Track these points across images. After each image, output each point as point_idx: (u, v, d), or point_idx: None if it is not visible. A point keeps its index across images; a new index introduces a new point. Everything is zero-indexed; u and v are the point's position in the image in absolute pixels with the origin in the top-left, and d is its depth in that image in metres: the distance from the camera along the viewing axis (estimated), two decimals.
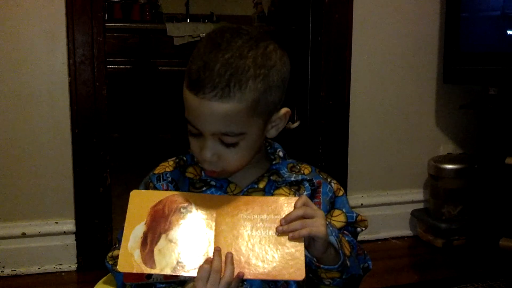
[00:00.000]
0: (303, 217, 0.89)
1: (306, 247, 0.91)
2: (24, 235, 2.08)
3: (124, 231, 0.89)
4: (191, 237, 0.89)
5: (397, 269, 2.20)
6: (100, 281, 1.04)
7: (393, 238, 2.50)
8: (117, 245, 1.00)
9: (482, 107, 2.31)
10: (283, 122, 0.98)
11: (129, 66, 3.99)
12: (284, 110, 0.97)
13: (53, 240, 2.12)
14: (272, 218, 0.90)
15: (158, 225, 0.90)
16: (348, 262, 0.95)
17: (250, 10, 4.58)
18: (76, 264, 2.13)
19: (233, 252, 0.88)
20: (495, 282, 2.02)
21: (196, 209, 0.91)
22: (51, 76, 2.04)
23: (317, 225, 0.88)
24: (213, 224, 0.90)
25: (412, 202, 2.52)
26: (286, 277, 0.88)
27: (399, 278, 2.10)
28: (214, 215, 0.91)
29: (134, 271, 0.87)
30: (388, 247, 2.42)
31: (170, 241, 0.89)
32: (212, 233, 0.90)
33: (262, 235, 0.90)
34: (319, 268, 0.94)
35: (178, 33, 4.00)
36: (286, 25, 4.30)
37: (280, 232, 0.89)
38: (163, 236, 0.89)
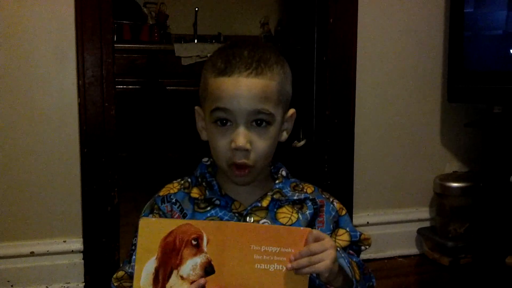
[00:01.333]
0: (312, 254, 0.89)
1: (316, 276, 0.92)
2: (32, 254, 2.10)
3: (135, 267, 0.88)
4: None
5: None
6: None
7: (399, 256, 2.49)
8: (122, 266, 1.01)
9: (487, 126, 2.32)
10: (291, 124, 1.04)
11: (137, 86, 4.04)
12: (292, 110, 1.04)
13: (61, 259, 2.13)
14: (282, 251, 0.89)
15: (169, 260, 0.88)
16: (359, 287, 0.97)
17: (257, 30, 4.63)
18: (84, 283, 2.14)
19: (238, 285, 0.88)
20: None
21: (207, 241, 0.89)
22: (61, 96, 2.07)
23: (322, 260, 0.88)
24: (221, 258, 0.89)
25: (418, 220, 2.52)
26: None
27: None
28: (224, 248, 0.89)
29: None
30: (395, 266, 2.42)
31: (181, 277, 0.89)
32: (221, 268, 0.89)
33: (269, 269, 0.89)
34: None
35: (186, 54, 4.05)
36: (292, 45, 4.34)
37: (289, 269, 0.88)
38: (174, 272, 0.89)
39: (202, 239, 0.90)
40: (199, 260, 0.89)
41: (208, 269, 0.89)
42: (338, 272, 0.92)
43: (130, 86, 3.99)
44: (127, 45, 3.99)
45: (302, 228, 0.96)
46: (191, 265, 0.89)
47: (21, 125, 2.05)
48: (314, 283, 0.94)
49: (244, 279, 0.88)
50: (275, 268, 0.89)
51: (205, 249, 0.89)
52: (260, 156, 0.97)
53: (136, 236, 1.03)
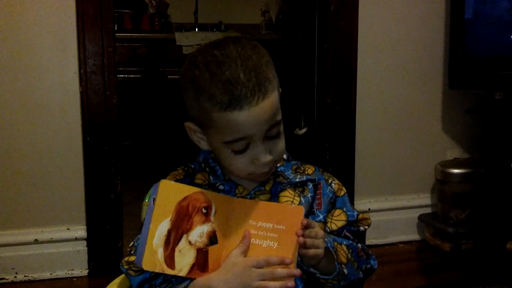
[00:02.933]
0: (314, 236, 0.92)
1: (301, 261, 0.94)
2: (36, 242, 2.12)
3: (151, 226, 0.90)
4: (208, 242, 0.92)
5: (405, 273, 2.21)
6: (113, 282, 1.06)
7: (401, 242, 2.51)
8: (132, 252, 1.02)
9: (488, 112, 2.32)
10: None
11: (138, 75, 4.04)
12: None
13: (64, 246, 2.15)
14: (275, 228, 0.94)
15: (181, 223, 0.92)
16: (345, 270, 0.98)
17: (258, 18, 4.62)
18: (88, 270, 2.17)
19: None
20: (503, 285, 2.02)
21: (215, 212, 0.94)
22: (63, 86, 2.09)
23: (318, 247, 0.92)
24: (224, 230, 0.93)
25: (420, 206, 2.54)
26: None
27: (407, 282, 2.11)
28: (228, 220, 0.94)
29: (157, 270, 0.90)
30: (396, 252, 2.43)
31: (189, 242, 0.92)
32: (223, 240, 0.93)
33: (262, 245, 0.93)
34: (315, 277, 0.97)
35: (187, 42, 4.05)
36: (293, 33, 4.33)
37: (300, 242, 0.91)
38: (184, 236, 0.92)
39: (211, 208, 0.94)
40: (206, 228, 0.93)
41: (212, 239, 0.92)
42: (324, 258, 0.94)
43: (132, 75, 3.99)
44: (128, 34, 3.99)
45: (295, 206, 0.99)
46: (199, 231, 0.92)
47: (23, 115, 2.07)
48: (302, 269, 0.96)
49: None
50: (267, 244, 0.93)
51: (212, 218, 0.93)
52: (280, 154, 1.00)
53: (143, 223, 1.04)
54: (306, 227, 0.92)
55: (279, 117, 0.96)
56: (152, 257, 0.89)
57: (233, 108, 0.90)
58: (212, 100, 0.90)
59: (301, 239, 0.90)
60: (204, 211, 0.93)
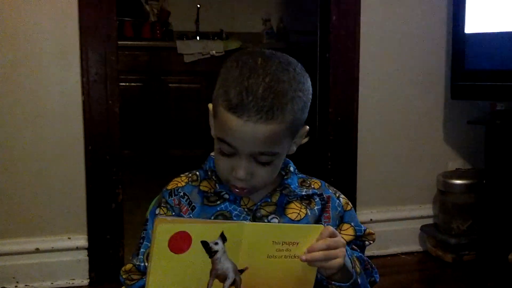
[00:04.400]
0: (327, 249, 0.90)
1: (318, 270, 0.92)
2: (37, 251, 2.12)
3: (152, 264, 0.87)
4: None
5: (407, 284, 2.21)
6: None
7: (402, 253, 2.50)
8: (131, 259, 1.03)
9: (490, 123, 2.32)
10: (302, 138, 1.03)
11: (139, 83, 4.05)
12: (305, 128, 1.02)
13: (65, 256, 2.15)
14: (295, 246, 0.90)
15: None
16: (359, 280, 0.97)
17: (259, 27, 4.64)
18: (88, 279, 2.16)
19: (254, 283, 0.90)
20: None
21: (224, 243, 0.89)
22: (65, 94, 2.09)
23: (337, 257, 0.90)
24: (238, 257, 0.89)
25: (421, 217, 2.53)
26: None
27: None
28: (242, 245, 0.89)
29: None
30: (398, 263, 2.43)
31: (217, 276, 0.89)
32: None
33: (282, 265, 0.90)
34: (330, 285, 0.96)
35: (188, 51, 4.06)
36: (295, 42, 4.34)
37: (303, 261, 0.89)
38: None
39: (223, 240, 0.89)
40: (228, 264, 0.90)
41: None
42: (340, 270, 0.93)
43: (133, 84, 4.00)
44: (129, 42, 4.00)
45: (316, 225, 0.97)
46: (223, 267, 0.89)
47: (25, 123, 2.07)
48: (316, 278, 0.96)
49: (267, 270, 0.90)
50: (290, 258, 0.90)
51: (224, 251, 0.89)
52: (262, 181, 0.99)
53: (144, 229, 1.04)
54: (331, 235, 0.90)
55: (275, 149, 0.95)
56: None
57: (234, 112, 0.91)
58: (225, 95, 0.92)
59: (303, 257, 0.88)
60: (215, 245, 0.87)
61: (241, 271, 0.89)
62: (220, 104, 0.94)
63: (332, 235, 0.91)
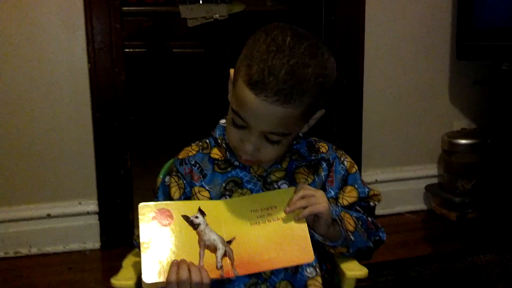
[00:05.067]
0: (304, 197, 0.94)
1: (311, 227, 0.96)
2: (49, 216, 2.16)
3: (141, 246, 0.93)
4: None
5: (412, 242, 2.25)
6: (130, 255, 1.09)
7: (407, 212, 2.54)
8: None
9: (495, 83, 2.32)
10: (316, 120, 1.04)
11: (144, 49, 4.02)
12: (321, 112, 1.02)
13: (77, 220, 2.19)
14: (275, 210, 0.95)
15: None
16: (352, 237, 1.00)
17: None
18: (100, 243, 2.21)
19: (245, 251, 0.93)
20: (508, 252, 2.05)
21: (205, 218, 0.96)
22: (72, 63, 2.09)
23: (318, 202, 0.94)
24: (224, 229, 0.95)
25: (426, 177, 2.56)
26: (297, 262, 0.94)
27: (414, 251, 2.14)
28: (222, 219, 0.96)
29: (162, 279, 0.90)
30: (403, 221, 2.46)
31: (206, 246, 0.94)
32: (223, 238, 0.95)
33: (268, 228, 0.94)
34: (325, 245, 0.99)
35: (192, 15, 4.01)
36: (300, 4, 4.28)
37: (287, 212, 0.94)
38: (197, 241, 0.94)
39: (202, 215, 0.96)
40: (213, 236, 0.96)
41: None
42: (331, 223, 0.96)
43: (137, 50, 3.97)
44: (132, 8, 3.95)
45: (288, 188, 1.01)
46: (211, 238, 0.95)
47: (33, 92, 2.08)
48: (313, 239, 0.99)
49: (246, 242, 0.94)
50: (273, 225, 0.94)
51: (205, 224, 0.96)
52: (268, 159, 1.01)
53: (156, 198, 1.07)
54: (303, 197, 0.94)
55: (286, 131, 0.95)
56: (152, 272, 0.90)
57: (252, 88, 0.91)
58: (248, 69, 0.92)
59: (287, 209, 0.93)
60: (196, 218, 0.94)
61: (229, 242, 0.93)
62: (240, 77, 0.93)
63: (307, 188, 0.96)
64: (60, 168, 2.15)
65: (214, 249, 0.92)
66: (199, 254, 0.92)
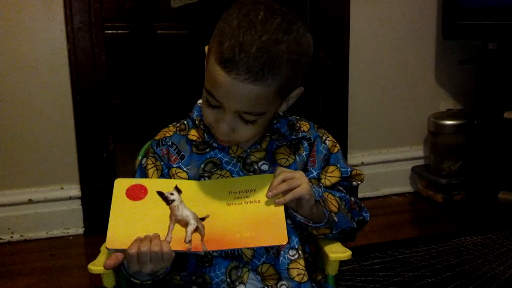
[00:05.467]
0: (284, 180, 0.92)
1: (293, 209, 0.94)
2: (30, 201, 2.13)
3: (110, 214, 0.94)
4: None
5: (398, 224, 2.25)
6: None
7: (394, 194, 2.54)
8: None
9: (482, 63, 2.31)
10: (295, 99, 1.00)
11: (126, 31, 3.97)
12: (299, 89, 0.99)
13: (59, 206, 2.16)
14: (253, 192, 0.94)
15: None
16: (335, 218, 0.98)
17: None
18: (83, 228, 2.18)
19: (217, 228, 0.92)
20: (494, 234, 2.06)
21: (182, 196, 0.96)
22: (50, 44, 2.04)
23: (300, 184, 0.91)
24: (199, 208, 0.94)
25: (413, 158, 2.55)
26: (269, 243, 0.92)
27: (400, 233, 2.14)
28: (198, 198, 0.95)
29: (121, 247, 0.90)
30: (389, 203, 2.46)
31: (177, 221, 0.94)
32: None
33: (244, 209, 0.93)
34: (308, 227, 0.97)
35: None
36: None
37: (269, 197, 0.92)
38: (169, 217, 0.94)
39: (178, 192, 0.96)
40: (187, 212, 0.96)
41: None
42: (314, 204, 0.94)
43: (119, 31, 3.92)
44: None
45: (267, 174, 0.99)
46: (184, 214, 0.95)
47: (11, 75, 2.03)
48: (295, 221, 0.97)
49: (222, 220, 0.93)
50: (250, 207, 0.93)
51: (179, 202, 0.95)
52: (244, 139, 0.98)
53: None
54: (283, 180, 0.92)
55: (260, 110, 0.92)
56: (115, 238, 0.91)
57: (224, 66, 0.88)
58: (219, 46, 0.89)
59: (269, 193, 0.92)
60: (171, 195, 0.94)
61: (202, 219, 0.93)
62: (212, 54, 0.91)
63: (285, 171, 0.94)
64: (41, 152, 2.11)
65: (185, 224, 0.92)
66: (168, 227, 0.91)
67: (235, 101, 0.90)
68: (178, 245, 0.89)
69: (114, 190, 0.94)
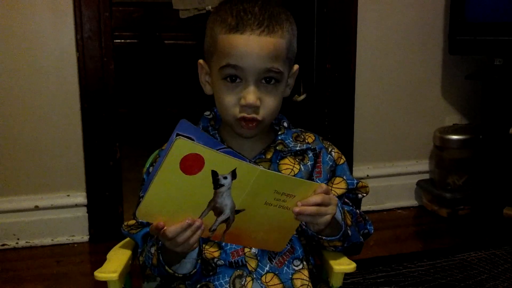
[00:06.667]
0: (320, 204, 0.90)
1: (306, 225, 0.95)
2: (37, 208, 2.13)
3: (155, 178, 0.84)
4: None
5: (402, 238, 2.24)
6: (114, 248, 1.08)
7: (398, 208, 2.53)
8: (133, 217, 1.04)
9: (488, 78, 2.31)
10: (293, 79, 1.06)
11: (134, 40, 3.99)
12: (296, 66, 1.05)
13: (65, 213, 2.17)
14: (291, 199, 0.90)
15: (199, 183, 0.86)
16: (349, 232, 0.99)
17: None
18: (88, 236, 2.19)
19: (243, 225, 0.90)
20: (499, 250, 2.05)
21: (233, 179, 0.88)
22: (59, 52, 2.06)
23: (327, 214, 0.91)
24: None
25: (418, 172, 2.55)
26: (266, 247, 0.94)
27: (404, 247, 2.14)
28: (247, 188, 0.88)
29: (150, 221, 0.88)
30: (394, 217, 2.46)
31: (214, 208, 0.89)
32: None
33: (275, 213, 0.90)
34: (321, 240, 0.98)
35: (184, 6, 3.98)
36: None
37: (295, 213, 0.89)
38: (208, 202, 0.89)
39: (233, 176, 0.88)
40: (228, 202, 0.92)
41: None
42: (332, 225, 0.95)
43: (128, 40, 3.94)
44: None
45: (315, 182, 0.98)
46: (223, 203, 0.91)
47: (20, 82, 2.05)
48: (307, 233, 0.98)
49: (259, 215, 0.90)
50: (284, 208, 0.90)
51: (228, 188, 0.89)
52: (269, 112, 0.99)
53: (141, 189, 1.05)
54: (325, 192, 0.91)
55: (279, 66, 0.96)
56: (149, 208, 0.85)
57: (236, 30, 0.94)
58: (222, 22, 0.96)
59: (296, 209, 0.89)
60: (224, 179, 0.86)
61: (238, 211, 0.90)
62: (218, 34, 0.96)
63: (326, 193, 0.92)
64: (48, 159, 2.12)
65: (219, 213, 0.88)
66: (202, 212, 0.87)
67: (257, 58, 0.94)
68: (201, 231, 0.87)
69: (171, 151, 0.82)
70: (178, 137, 0.83)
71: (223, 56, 0.95)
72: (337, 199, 0.96)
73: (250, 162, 0.94)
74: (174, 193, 0.85)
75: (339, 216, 0.96)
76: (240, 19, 0.94)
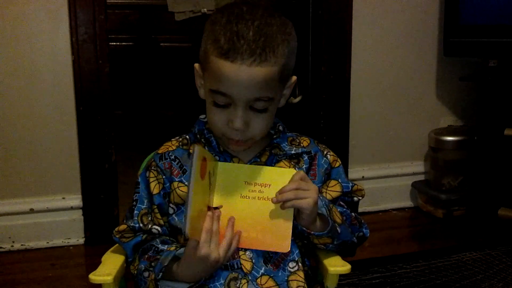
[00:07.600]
0: (297, 189, 0.93)
1: (295, 218, 0.96)
2: (32, 211, 2.13)
3: (192, 193, 0.88)
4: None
5: (398, 239, 2.25)
6: (109, 251, 1.08)
7: (394, 209, 2.54)
8: (124, 221, 1.04)
9: (482, 79, 2.32)
10: (290, 90, 1.04)
11: (130, 43, 3.99)
12: (293, 78, 1.03)
13: (60, 215, 2.16)
14: (268, 188, 0.95)
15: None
16: (338, 229, 0.99)
17: None
18: (84, 238, 2.18)
19: (226, 215, 0.93)
20: (494, 250, 2.06)
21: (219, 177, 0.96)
22: (55, 54, 2.06)
23: (306, 197, 0.93)
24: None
25: (413, 174, 2.56)
26: (272, 248, 0.94)
27: (399, 248, 2.14)
28: (218, 182, 0.95)
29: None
30: (389, 218, 2.46)
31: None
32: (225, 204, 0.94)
33: (255, 205, 0.94)
34: (310, 235, 0.98)
35: (179, 9, 3.98)
36: None
37: (274, 203, 0.93)
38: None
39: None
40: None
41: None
42: (315, 219, 0.96)
43: (123, 43, 3.94)
44: (119, 1, 3.92)
45: (289, 169, 1.01)
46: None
47: (15, 85, 2.05)
48: (297, 230, 0.98)
49: (240, 210, 0.94)
50: (264, 204, 0.94)
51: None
52: (259, 131, 0.99)
53: (136, 192, 1.05)
54: (302, 178, 0.94)
55: (270, 94, 0.95)
56: (196, 224, 0.88)
57: (227, 57, 0.91)
58: (215, 43, 0.93)
59: (274, 199, 0.92)
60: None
61: (216, 208, 0.93)
62: (211, 54, 0.93)
63: (303, 179, 0.94)
64: (44, 162, 2.12)
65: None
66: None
67: (246, 89, 0.93)
68: (198, 234, 0.89)
69: (195, 160, 0.88)
70: (196, 144, 0.91)
71: (213, 79, 0.94)
72: (316, 186, 0.96)
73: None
74: (199, 201, 0.90)
75: (324, 211, 0.97)
76: (232, 45, 0.90)
